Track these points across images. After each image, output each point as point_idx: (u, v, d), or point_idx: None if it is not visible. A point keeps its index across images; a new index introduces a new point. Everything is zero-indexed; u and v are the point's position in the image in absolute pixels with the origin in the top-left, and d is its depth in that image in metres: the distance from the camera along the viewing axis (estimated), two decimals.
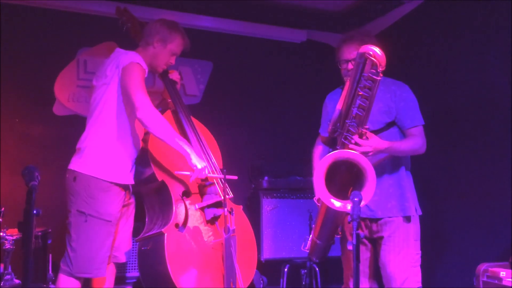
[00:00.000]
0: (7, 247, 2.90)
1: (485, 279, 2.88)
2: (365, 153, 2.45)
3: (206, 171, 2.85)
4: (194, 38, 3.11)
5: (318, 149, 2.95)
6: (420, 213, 2.73)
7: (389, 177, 2.70)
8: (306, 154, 3.06)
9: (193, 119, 3.22)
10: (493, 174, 3.47)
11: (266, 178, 4.29)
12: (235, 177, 3.02)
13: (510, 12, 3.33)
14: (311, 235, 2.72)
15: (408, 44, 4.27)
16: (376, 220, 2.69)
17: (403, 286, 2.60)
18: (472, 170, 3.64)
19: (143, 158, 2.98)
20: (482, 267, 2.91)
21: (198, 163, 2.81)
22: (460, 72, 3.80)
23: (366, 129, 2.47)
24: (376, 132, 2.62)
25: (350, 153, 2.40)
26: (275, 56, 4.87)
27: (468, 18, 3.76)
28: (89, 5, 4.13)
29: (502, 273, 2.79)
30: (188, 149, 2.80)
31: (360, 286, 2.70)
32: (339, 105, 2.54)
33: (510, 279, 2.75)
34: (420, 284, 2.66)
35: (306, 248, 2.76)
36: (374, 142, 2.49)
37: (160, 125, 2.75)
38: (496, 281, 2.81)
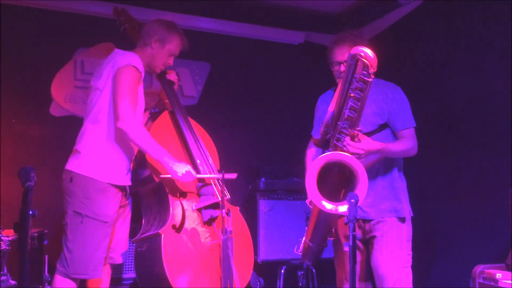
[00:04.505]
0: (2, 248, 2.89)
1: (481, 280, 2.88)
2: (357, 155, 2.44)
3: (194, 173, 2.84)
4: (191, 39, 3.10)
5: (311, 151, 2.94)
6: (411, 214, 2.74)
7: (383, 178, 2.70)
8: (303, 155, 3.06)
9: (190, 120, 3.21)
10: (488, 175, 3.48)
11: (263, 179, 4.29)
12: (234, 175, 2.95)
13: (507, 15, 3.34)
14: (304, 238, 2.71)
15: (406, 46, 4.28)
16: (369, 221, 2.69)
17: (394, 286, 2.60)
18: (467, 171, 3.65)
19: (141, 159, 2.97)
20: (478, 268, 2.92)
21: (177, 170, 2.76)
22: (457, 74, 3.81)
23: (358, 131, 2.47)
24: (369, 134, 2.62)
25: (342, 155, 2.40)
26: (272, 58, 4.87)
27: (466, 20, 3.77)
28: (87, 6, 4.13)
29: (498, 275, 2.79)
30: (165, 159, 2.75)
31: None
32: (331, 107, 2.54)
33: (507, 281, 2.75)
34: (411, 285, 2.66)
35: (299, 250, 2.75)
36: (366, 144, 2.49)
37: (141, 136, 2.70)
38: (492, 283, 2.81)
